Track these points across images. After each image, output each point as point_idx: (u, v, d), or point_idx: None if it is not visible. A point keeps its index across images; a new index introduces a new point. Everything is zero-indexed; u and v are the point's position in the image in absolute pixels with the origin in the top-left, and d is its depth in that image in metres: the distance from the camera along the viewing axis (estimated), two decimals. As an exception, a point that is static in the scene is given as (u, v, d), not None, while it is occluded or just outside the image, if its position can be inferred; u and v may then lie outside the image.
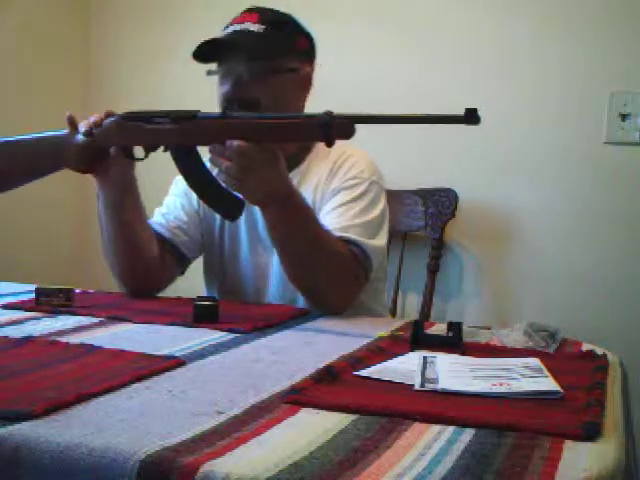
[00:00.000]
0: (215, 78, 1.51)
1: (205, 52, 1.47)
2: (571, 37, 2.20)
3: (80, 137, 1.38)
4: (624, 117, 2.16)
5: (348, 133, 1.23)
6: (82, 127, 1.38)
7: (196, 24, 2.52)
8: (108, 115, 1.37)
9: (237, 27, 1.48)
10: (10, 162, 1.44)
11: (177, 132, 1.31)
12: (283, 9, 1.56)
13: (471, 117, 1.13)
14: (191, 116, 1.31)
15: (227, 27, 1.51)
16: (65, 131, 1.41)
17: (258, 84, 1.47)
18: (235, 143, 1.25)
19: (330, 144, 1.25)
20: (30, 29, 2.49)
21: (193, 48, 1.44)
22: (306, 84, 1.57)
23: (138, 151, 1.39)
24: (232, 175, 1.27)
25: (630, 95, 2.15)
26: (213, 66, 1.50)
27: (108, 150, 1.40)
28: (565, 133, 2.22)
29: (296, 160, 1.58)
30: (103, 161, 1.40)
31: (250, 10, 1.52)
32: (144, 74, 2.64)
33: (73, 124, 1.40)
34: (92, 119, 1.38)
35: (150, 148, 1.36)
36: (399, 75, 2.35)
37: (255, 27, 1.48)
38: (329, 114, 1.22)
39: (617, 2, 2.17)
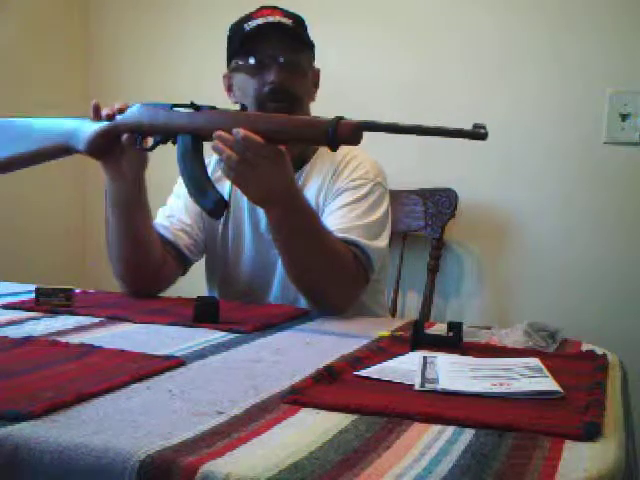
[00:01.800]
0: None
1: (241, 42, 1.48)
2: (571, 37, 2.20)
3: (99, 123, 1.38)
4: (624, 117, 2.16)
5: (355, 139, 1.22)
6: (104, 111, 1.37)
7: (196, 21, 2.53)
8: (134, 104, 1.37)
9: (268, 20, 1.48)
10: (29, 141, 1.44)
11: (194, 120, 1.30)
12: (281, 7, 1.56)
13: (478, 133, 1.13)
14: (210, 107, 1.30)
15: (249, 21, 1.50)
16: (86, 118, 1.40)
17: (300, 76, 1.49)
18: (241, 132, 1.23)
19: (334, 149, 1.24)
20: (30, 27, 2.49)
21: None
22: (317, 83, 1.60)
23: (149, 143, 1.38)
24: (231, 166, 1.25)
25: (630, 95, 2.15)
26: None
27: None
28: (565, 133, 2.22)
29: (301, 159, 1.58)
30: (115, 149, 1.38)
31: (272, 7, 1.52)
32: (144, 71, 2.64)
33: (97, 112, 1.39)
34: (117, 105, 1.37)
35: (161, 139, 1.35)
36: (399, 75, 2.35)
37: (286, 21, 1.49)
38: (338, 119, 1.21)
39: (618, 2, 2.17)
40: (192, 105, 1.31)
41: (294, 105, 1.46)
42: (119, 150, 1.38)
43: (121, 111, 1.36)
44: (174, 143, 1.34)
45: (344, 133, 1.21)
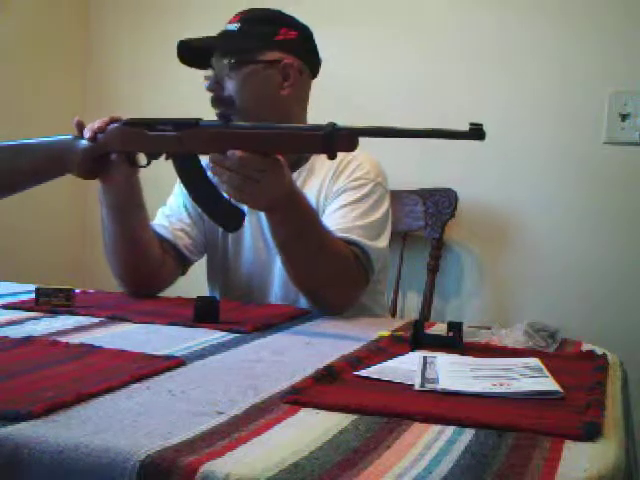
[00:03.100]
0: None
1: (191, 57, 1.52)
2: (572, 37, 2.20)
3: (84, 142, 1.37)
4: (624, 117, 2.16)
5: (351, 146, 1.21)
6: (87, 133, 1.37)
7: (196, 26, 2.51)
8: (113, 121, 1.36)
9: (221, 30, 1.52)
10: (14, 166, 1.44)
11: (179, 140, 1.30)
12: (285, 11, 1.56)
13: (476, 133, 1.13)
14: (193, 124, 1.30)
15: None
16: (70, 136, 1.40)
17: (231, 80, 1.49)
18: (237, 154, 1.23)
19: (332, 157, 1.23)
20: (30, 29, 2.49)
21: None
22: (287, 75, 1.52)
23: (141, 159, 1.39)
24: (234, 186, 1.26)
25: (630, 95, 2.15)
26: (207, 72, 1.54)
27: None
28: (565, 133, 2.22)
29: (301, 159, 1.58)
30: (106, 167, 1.39)
31: (238, 13, 1.54)
32: (143, 75, 2.64)
33: (81, 129, 1.39)
34: (96, 124, 1.37)
35: (152, 155, 1.36)
36: (400, 74, 2.35)
37: (232, 26, 1.51)
38: (332, 126, 1.21)
39: (618, 2, 2.17)
40: (174, 124, 1.30)
41: (230, 109, 1.46)
42: (108, 169, 1.39)
43: (101, 130, 1.36)
44: (167, 159, 1.34)
45: (340, 141, 1.21)
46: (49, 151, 1.42)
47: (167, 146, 1.32)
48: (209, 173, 1.33)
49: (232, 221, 1.35)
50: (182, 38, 1.51)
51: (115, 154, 1.36)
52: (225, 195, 1.33)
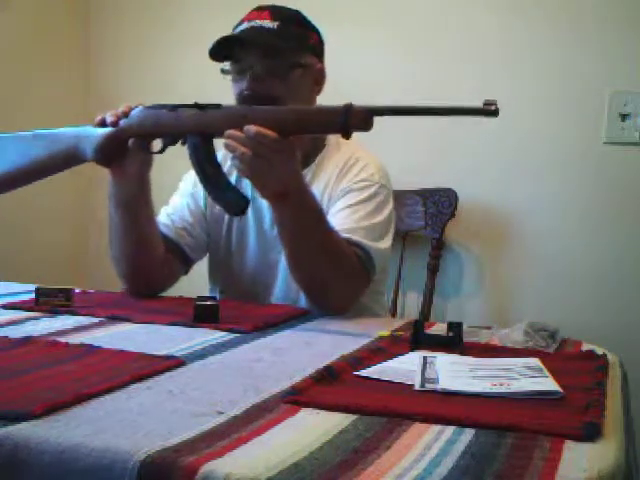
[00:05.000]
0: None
1: (219, 50, 1.47)
2: (571, 37, 2.20)
3: (105, 129, 1.37)
4: (624, 117, 2.16)
5: (366, 124, 1.21)
6: (109, 117, 1.36)
7: (196, 23, 2.53)
8: (137, 106, 1.36)
9: (251, 24, 1.48)
10: (32, 155, 1.43)
11: (201, 119, 1.29)
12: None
13: (489, 109, 1.13)
14: (215, 105, 1.30)
15: (238, 26, 1.51)
16: (87, 125, 1.40)
17: (275, 80, 1.47)
18: (253, 129, 1.22)
19: (347, 136, 1.23)
20: (30, 29, 2.49)
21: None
22: (319, 80, 1.58)
23: (156, 146, 1.38)
24: (246, 162, 1.25)
25: (630, 95, 2.15)
26: (225, 65, 1.51)
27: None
28: (565, 133, 2.22)
29: (307, 159, 1.57)
30: (122, 156, 1.38)
31: (261, 8, 1.51)
32: (145, 71, 2.64)
33: (102, 123, 1.38)
34: (120, 109, 1.36)
35: (170, 141, 1.35)
36: (400, 75, 2.35)
37: (269, 24, 1.48)
38: (348, 106, 1.21)
39: (618, 2, 2.17)
40: (196, 105, 1.31)
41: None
42: (126, 155, 1.38)
43: (125, 114, 1.36)
44: (183, 144, 1.34)
45: (356, 119, 1.20)
46: (66, 139, 1.41)
47: (189, 126, 1.31)
48: (221, 153, 1.32)
49: (235, 205, 1.34)
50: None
51: (132, 141, 1.35)
52: (233, 180, 1.33)
